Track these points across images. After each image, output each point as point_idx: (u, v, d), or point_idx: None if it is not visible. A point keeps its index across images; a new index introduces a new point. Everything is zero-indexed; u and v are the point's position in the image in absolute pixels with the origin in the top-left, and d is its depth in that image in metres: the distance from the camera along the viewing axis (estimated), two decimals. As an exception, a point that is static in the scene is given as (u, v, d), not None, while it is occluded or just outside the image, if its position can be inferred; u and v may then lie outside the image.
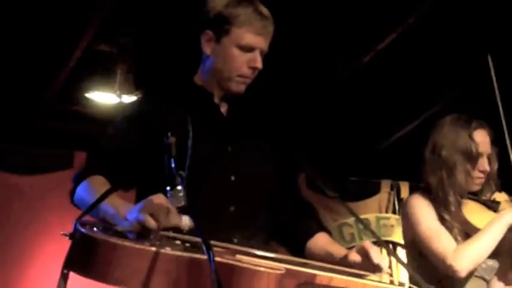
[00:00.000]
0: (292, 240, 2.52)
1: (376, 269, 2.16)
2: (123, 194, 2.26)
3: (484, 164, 3.20)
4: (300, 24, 4.68)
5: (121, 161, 2.37)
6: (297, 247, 2.49)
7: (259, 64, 2.44)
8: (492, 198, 3.24)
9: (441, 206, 3.15)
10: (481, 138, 3.22)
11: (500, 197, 3.25)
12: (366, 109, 5.77)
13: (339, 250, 2.36)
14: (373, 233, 2.55)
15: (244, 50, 2.42)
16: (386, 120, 5.95)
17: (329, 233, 2.55)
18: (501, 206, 3.17)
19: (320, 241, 2.47)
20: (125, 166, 2.37)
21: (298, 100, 5.46)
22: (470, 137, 3.19)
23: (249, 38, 2.41)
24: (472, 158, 3.17)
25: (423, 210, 3.17)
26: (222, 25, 2.42)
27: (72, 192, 2.34)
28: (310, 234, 2.49)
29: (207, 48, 2.47)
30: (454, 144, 3.18)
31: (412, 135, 5.95)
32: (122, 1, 4.39)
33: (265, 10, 2.46)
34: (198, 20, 2.49)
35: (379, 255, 2.18)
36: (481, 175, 3.20)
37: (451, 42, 4.95)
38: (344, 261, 2.26)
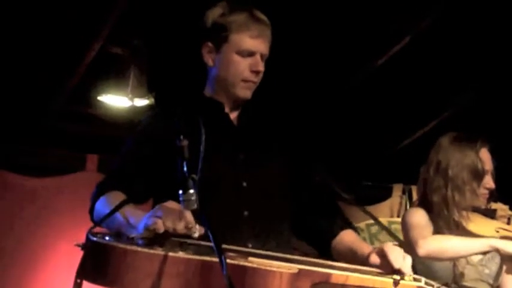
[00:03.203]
0: (318, 239, 2.53)
1: (396, 273, 2.14)
2: (140, 206, 2.29)
3: (489, 181, 3.28)
4: (312, 29, 4.68)
5: (136, 175, 2.41)
6: (323, 246, 2.50)
7: (260, 67, 2.47)
8: (488, 206, 3.28)
9: (441, 222, 3.20)
10: (486, 156, 3.29)
11: (497, 207, 3.28)
12: (377, 113, 5.76)
13: (362, 249, 2.35)
14: (392, 234, 2.54)
15: (244, 55, 2.45)
16: (398, 125, 5.94)
17: (355, 229, 2.55)
18: (498, 213, 3.21)
19: (345, 239, 2.48)
20: (140, 179, 2.40)
21: (309, 105, 5.46)
22: (477, 155, 3.25)
23: (248, 42, 2.44)
24: (478, 175, 3.24)
25: (421, 215, 3.23)
26: (219, 34, 2.46)
27: (91, 210, 2.37)
28: (335, 233, 2.50)
29: (209, 60, 2.51)
30: (461, 163, 3.23)
31: (424, 139, 5.93)
32: (136, 4, 4.40)
33: (260, 15, 2.49)
34: (197, 33, 2.51)
35: (399, 260, 2.15)
36: (486, 191, 3.28)
37: (464, 46, 4.94)
38: (366, 262, 2.25)
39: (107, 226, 2.12)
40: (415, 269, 3.17)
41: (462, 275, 3.15)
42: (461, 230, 3.16)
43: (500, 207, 3.25)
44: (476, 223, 3.19)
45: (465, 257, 3.12)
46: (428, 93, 5.49)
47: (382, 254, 2.20)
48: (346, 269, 2.07)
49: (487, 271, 3.20)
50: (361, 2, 4.55)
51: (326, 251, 2.49)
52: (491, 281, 3.21)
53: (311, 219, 2.55)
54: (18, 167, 5.51)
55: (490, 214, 3.21)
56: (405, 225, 3.21)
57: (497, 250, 3.04)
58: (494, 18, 4.66)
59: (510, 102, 5.36)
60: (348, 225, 2.55)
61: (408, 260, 2.18)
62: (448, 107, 5.70)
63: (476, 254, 3.09)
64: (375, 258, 2.23)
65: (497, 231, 3.14)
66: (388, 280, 2.10)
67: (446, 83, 5.36)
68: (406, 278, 2.14)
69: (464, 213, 3.19)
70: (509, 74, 5.19)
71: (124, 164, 2.47)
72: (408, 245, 3.11)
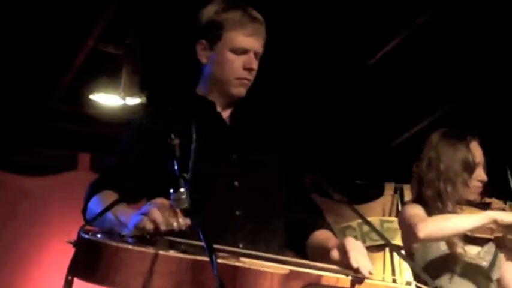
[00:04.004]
0: (294, 237, 2.50)
1: (355, 271, 2.09)
2: (134, 205, 2.29)
3: (481, 174, 3.32)
4: (306, 27, 4.69)
5: (129, 174, 2.40)
6: (298, 244, 2.48)
7: (254, 65, 2.47)
8: (483, 201, 3.33)
9: (437, 215, 3.20)
10: (476, 149, 3.34)
11: (491, 201, 3.32)
12: (369, 113, 5.77)
13: (328, 243, 2.30)
14: (381, 236, 2.54)
15: (238, 53, 2.45)
16: (390, 124, 5.94)
17: (333, 232, 2.51)
18: (492, 206, 3.26)
19: (319, 235, 2.45)
20: (133, 179, 2.40)
21: (303, 104, 5.47)
22: (468, 148, 3.29)
23: (241, 40, 2.44)
24: (469, 167, 3.28)
25: (417, 208, 3.25)
26: (213, 31, 2.46)
27: (84, 210, 2.36)
28: (311, 231, 2.48)
29: (203, 57, 2.51)
30: (453, 156, 3.28)
31: (415, 138, 5.94)
32: (128, 3, 4.40)
33: (255, 13, 2.49)
34: (192, 30, 2.51)
35: (359, 258, 2.11)
36: (479, 184, 3.32)
37: (457, 45, 4.94)
38: (328, 256, 2.22)
39: (99, 226, 2.11)
40: (412, 258, 3.23)
41: (459, 262, 3.18)
42: None
43: (494, 201, 3.29)
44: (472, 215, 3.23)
45: (465, 232, 3.12)
46: (420, 92, 5.50)
47: (344, 250, 2.17)
48: (337, 271, 2.06)
49: (484, 264, 3.24)
50: (356, 0, 4.56)
51: (300, 248, 2.47)
52: (489, 274, 3.25)
53: (292, 216, 2.53)
54: (10, 166, 5.50)
55: (485, 207, 3.24)
56: (403, 218, 3.25)
57: (495, 221, 3.08)
58: (489, 16, 4.67)
59: (503, 101, 5.38)
60: (328, 226, 2.53)
61: (367, 259, 2.13)
62: (440, 105, 5.71)
63: (476, 227, 3.10)
64: (335, 254, 2.21)
65: None
66: (380, 283, 2.10)
67: (439, 82, 5.37)
68: (399, 282, 2.12)
69: (457, 206, 3.22)
70: (503, 73, 5.20)
71: (117, 164, 2.47)
72: (408, 232, 3.18)
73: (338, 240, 2.30)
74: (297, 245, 2.48)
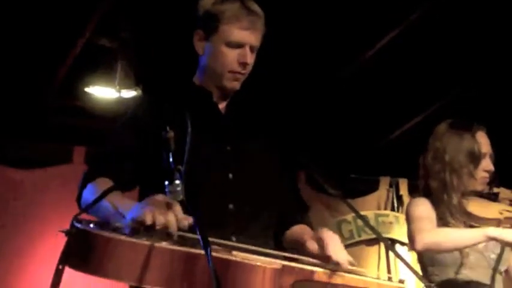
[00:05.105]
0: (276, 231, 2.50)
1: (333, 264, 2.12)
2: (127, 194, 2.29)
3: (489, 164, 3.30)
4: (301, 21, 4.68)
5: (122, 162, 2.39)
6: (277, 238, 2.48)
7: (248, 59, 2.44)
8: (491, 191, 3.29)
9: (443, 208, 3.20)
10: (483, 139, 3.32)
11: (500, 191, 3.30)
12: (365, 107, 5.77)
13: (302, 235, 2.33)
14: (374, 231, 2.54)
15: (232, 47, 2.43)
16: (385, 118, 5.94)
17: (311, 227, 2.52)
18: (500, 196, 3.23)
19: (296, 230, 2.46)
20: (127, 167, 2.39)
21: (298, 97, 5.46)
22: (474, 138, 3.25)
23: (236, 34, 2.42)
24: (475, 158, 3.27)
25: (423, 205, 3.25)
26: (210, 23, 2.44)
27: (79, 198, 2.35)
28: (290, 225, 2.49)
29: (199, 48, 2.49)
30: (459, 147, 3.26)
31: (411, 132, 5.95)
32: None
33: (253, 5, 2.47)
34: (190, 20, 2.49)
35: (338, 252, 2.14)
36: (486, 175, 3.30)
37: (452, 40, 4.94)
38: (304, 249, 2.25)
39: (95, 214, 2.11)
40: (421, 255, 3.24)
41: (467, 256, 3.18)
42: (463, 214, 3.19)
43: (502, 191, 3.26)
44: (479, 206, 3.21)
45: (463, 248, 3.13)
46: (416, 87, 5.50)
47: (321, 244, 2.19)
48: (316, 264, 2.06)
49: (493, 256, 3.23)
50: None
51: (279, 241, 2.49)
52: (496, 265, 3.23)
53: (279, 210, 2.53)
54: (5, 159, 5.49)
55: (493, 197, 3.22)
56: (408, 217, 3.26)
57: (494, 239, 3.07)
58: (483, 12, 4.67)
59: (499, 96, 5.38)
60: (307, 221, 2.54)
61: (345, 252, 2.16)
62: (436, 100, 5.71)
63: (474, 244, 3.11)
64: (312, 245, 2.23)
65: (501, 213, 3.15)
66: (371, 280, 2.11)
67: (434, 77, 5.37)
68: (394, 280, 2.13)
69: (464, 197, 3.21)
70: (498, 70, 5.20)
71: (111, 152, 2.45)
72: (409, 236, 3.21)
73: (313, 232, 2.31)
74: (277, 239, 2.49)
